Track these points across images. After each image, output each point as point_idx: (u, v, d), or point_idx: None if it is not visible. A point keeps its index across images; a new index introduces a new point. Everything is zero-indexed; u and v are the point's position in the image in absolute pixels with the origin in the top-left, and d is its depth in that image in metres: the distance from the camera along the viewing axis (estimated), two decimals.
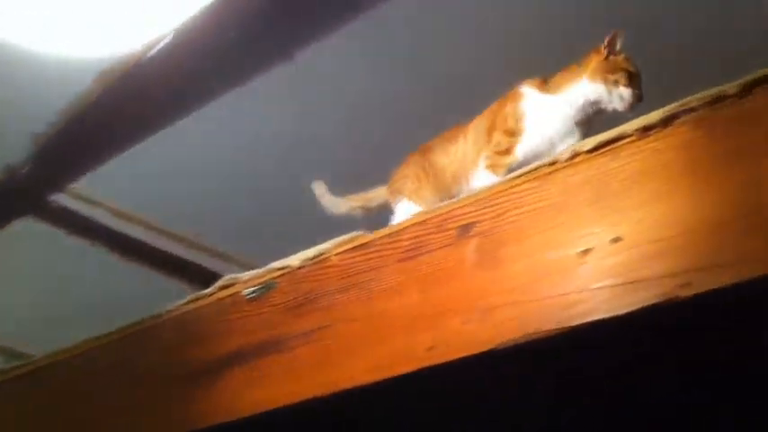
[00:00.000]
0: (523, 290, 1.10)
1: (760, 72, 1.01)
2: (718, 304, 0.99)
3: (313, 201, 2.46)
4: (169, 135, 2.19)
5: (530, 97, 1.45)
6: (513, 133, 1.42)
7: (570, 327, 1.04)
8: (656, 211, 1.04)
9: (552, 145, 1.41)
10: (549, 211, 1.12)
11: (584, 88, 1.41)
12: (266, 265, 1.42)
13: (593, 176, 1.10)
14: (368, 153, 2.28)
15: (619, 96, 1.40)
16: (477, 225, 1.18)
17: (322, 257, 1.34)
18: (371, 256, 1.28)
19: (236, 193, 2.40)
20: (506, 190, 1.17)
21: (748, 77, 1.01)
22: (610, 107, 1.42)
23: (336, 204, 1.75)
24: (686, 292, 0.96)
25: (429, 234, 1.22)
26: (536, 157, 1.35)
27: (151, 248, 2.77)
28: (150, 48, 1.89)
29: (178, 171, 2.36)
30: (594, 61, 1.43)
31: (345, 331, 1.25)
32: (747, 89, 1.01)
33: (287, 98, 2.19)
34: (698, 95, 1.05)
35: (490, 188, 1.19)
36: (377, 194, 1.68)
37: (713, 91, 1.04)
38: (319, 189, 1.76)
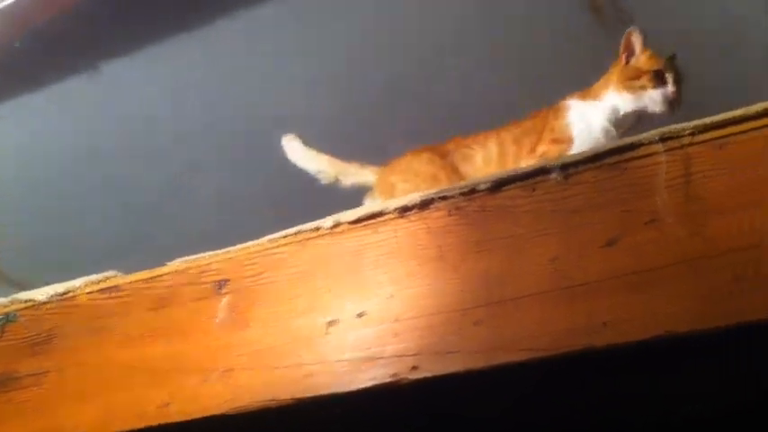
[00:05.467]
0: (267, 355, 1.08)
1: (510, 171, 1.06)
2: (443, 388, 1.02)
3: (96, 221, 2.34)
4: None
5: (574, 108, 1.37)
6: (561, 141, 1.33)
7: (305, 398, 1.03)
8: (404, 291, 1.05)
9: None
10: (304, 277, 1.11)
11: (615, 100, 1.34)
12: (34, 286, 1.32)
13: (352, 248, 1.11)
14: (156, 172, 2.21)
15: (651, 100, 1.32)
16: (233, 282, 1.15)
17: (70, 295, 1.26)
18: (122, 299, 1.22)
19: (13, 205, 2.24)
20: (267, 250, 1.15)
21: (499, 175, 1.06)
22: (649, 111, 1.33)
23: (309, 157, 1.50)
24: (413, 375, 0.98)
25: (184, 285, 1.18)
26: None
27: None
28: None
29: None
30: (616, 71, 1.36)
31: (80, 376, 1.18)
32: (498, 186, 1.06)
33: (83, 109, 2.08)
34: (453, 186, 1.09)
35: (251, 245, 1.16)
36: (360, 173, 1.49)
37: (466, 182, 1.08)
38: (291, 141, 1.51)
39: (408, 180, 1.40)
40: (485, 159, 1.40)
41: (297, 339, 1.07)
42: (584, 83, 1.45)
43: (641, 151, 1.00)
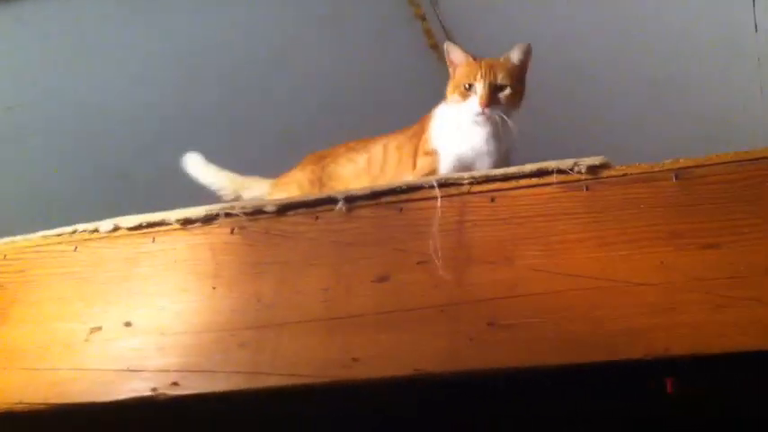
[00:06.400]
0: (23, 356, 1.03)
1: (296, 197, 1.08)
2: (206, 408, 1.02)
3: None
4: None
5: (438, 116, 1.33)
6: (428, 154, 1.29)
7: (58, 404, 0.99)
8: (174, 305, 1.04)
9: (471, 159, 1.26)
10: (74, 278, 1.08)
11: (450, 109, 1.31)
12: None
13: (128, 255, 1.09)
14: None
15: (461, 112, 1.27)
16: None
17: None
18: None
19: None
20: (38, 246, 1.10)
21: (286, 199, 1.08)
22: (473, 120, 1.27)
23: (210, 173, 1.46)
24: (173, 392, 0.97)
25: None
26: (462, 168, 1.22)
27: None
28: None
29: None
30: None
31: None
32: (283, 210, 1.07)
33: None
34: (240, 203, 1.09)
35: (21, 240, 1.11)
36: (259, 186, 1.45)
37: (253, 202, 1.09)
38: (193, 159, 1.48)
39: (290, 192, 1.36)
40: (368, 161, 1.38)
41: (56, 343, 1.03)
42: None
43: (419, 194, 1.04)
